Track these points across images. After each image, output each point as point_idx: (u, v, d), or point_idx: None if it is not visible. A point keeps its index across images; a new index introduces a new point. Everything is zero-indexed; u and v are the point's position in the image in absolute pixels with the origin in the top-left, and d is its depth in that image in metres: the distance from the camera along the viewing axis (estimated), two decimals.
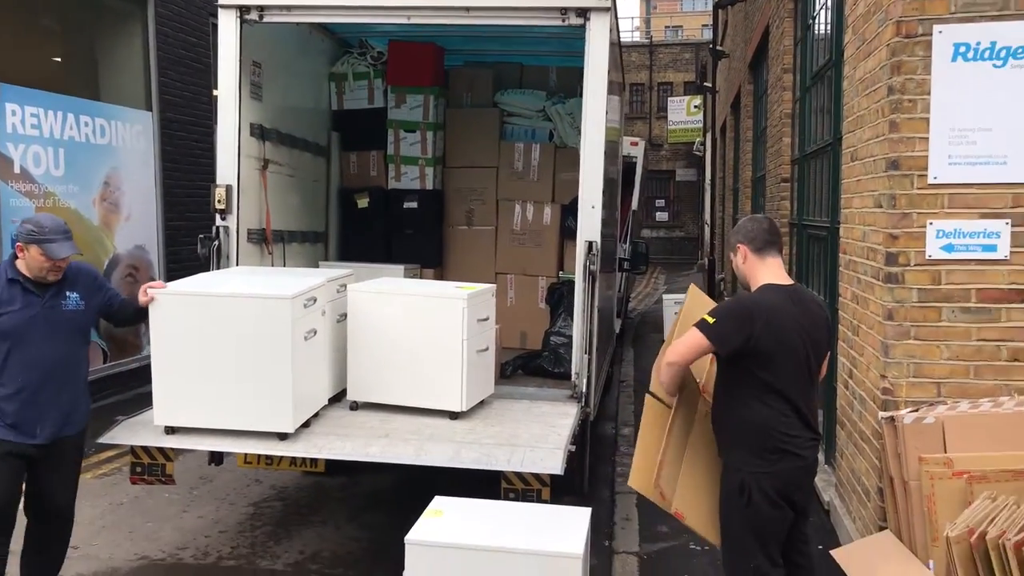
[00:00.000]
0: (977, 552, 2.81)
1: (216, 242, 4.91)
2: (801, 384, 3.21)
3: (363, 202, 6.76)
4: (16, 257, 3.69)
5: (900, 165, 3.77)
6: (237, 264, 5.00)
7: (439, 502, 3.64)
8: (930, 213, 3.74)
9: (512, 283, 6.84)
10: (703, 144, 25.02)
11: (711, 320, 3.19)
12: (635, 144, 13.09)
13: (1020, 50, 3.64)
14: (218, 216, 4.97)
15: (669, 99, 31.23)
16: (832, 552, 3.74)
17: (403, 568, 3.31)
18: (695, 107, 28.71)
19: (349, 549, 4.93)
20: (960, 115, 3.70)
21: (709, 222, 20.49)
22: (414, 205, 6.73)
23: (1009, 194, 3.69)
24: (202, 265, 5.00)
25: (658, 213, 32.70)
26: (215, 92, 9.03)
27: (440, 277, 6.71)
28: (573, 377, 4.81)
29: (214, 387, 3.97)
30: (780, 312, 3.16)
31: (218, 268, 4.91)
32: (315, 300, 4.22)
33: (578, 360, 4.77)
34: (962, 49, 3.68)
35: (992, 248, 3.71)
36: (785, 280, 3.32)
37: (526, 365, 5.63)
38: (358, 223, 6.76)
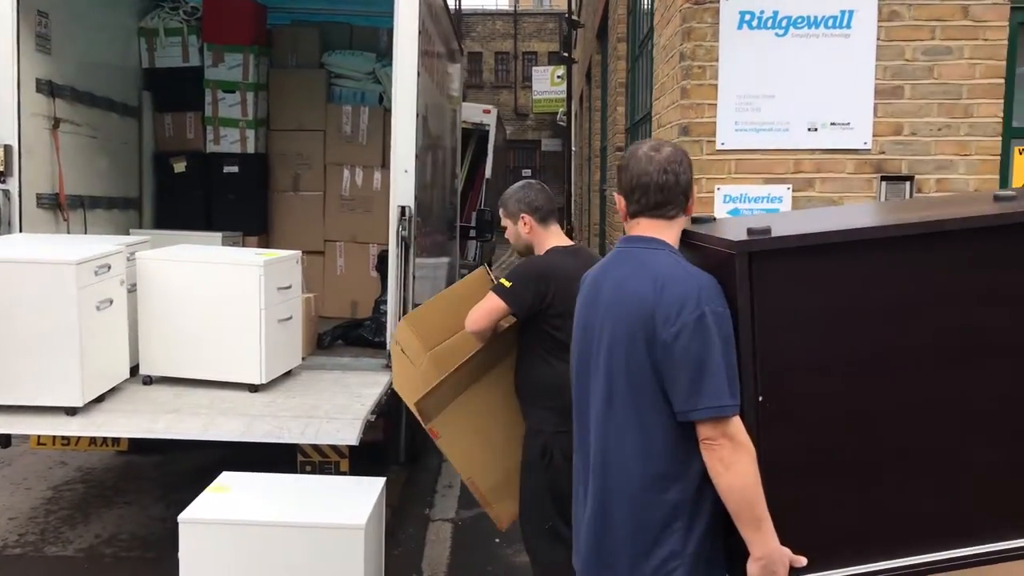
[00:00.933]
0: None
1: None
2: None
3: (180, 166, 6.40)
4: None
5: (690, 131, 3.85)
6: (20, 231, 4.62)
7: (226, 477, 3.52)
8: (718, 178, 3.85)
9: (342, 251, 6.67)
10: (566, 114, 25.28)
11: (507, 284, 3.21)
12: (487, 112, 13.00)
13: (800, 19, 3.76)
14: None
15: (533, 68, 31.35)
16: None
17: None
18: (559, 77, 28.94)
19: (152, 530, 4.70)
20: (746, 82, 3.81)
21: (569, 192, 20.77)
22: (235, 170, 6.42)
23: (791, 160, 3.83)
24: None
25: None
26: None
27: (265, 245, 6.44)
28: (388, 346, 4.72)
29: None
30: (570, 271, 3.17)
31: None
32: (109, 268, 3.94)
33: (393, 327, 4.69)
34: (747, 17, 3.77)
35: (775, 211, 3.84)
36: (567, 242, 3.42)
37: (346, 335, 5.48)
38: (175, 189, 6.39)
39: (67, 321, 3.67)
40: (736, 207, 3.83)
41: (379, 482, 3.51)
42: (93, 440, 4.36)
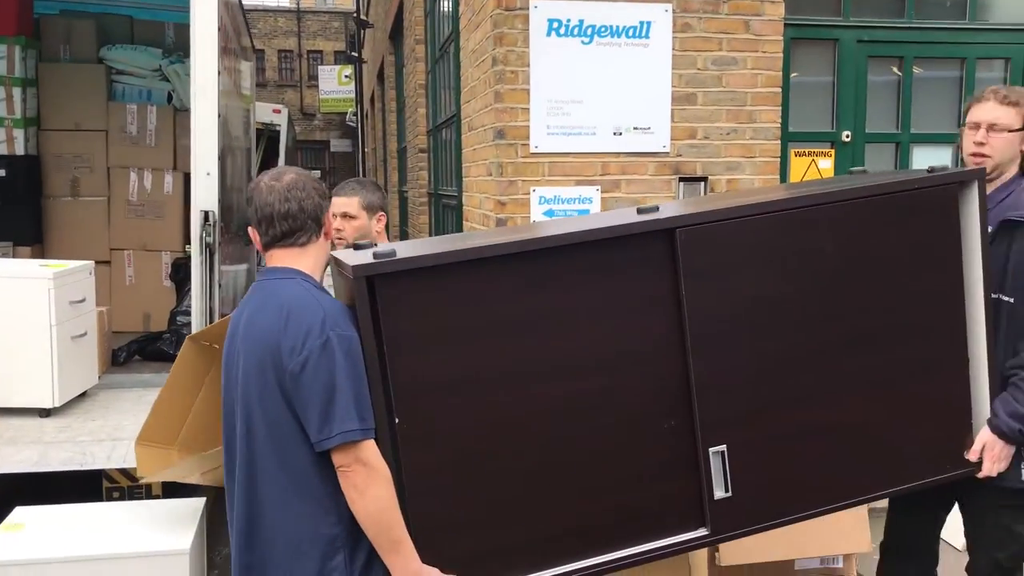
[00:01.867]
0: None
1: None
2: None
3: None
4: None
5: (506, 134, 3.94)
6: None
7: (20, 513, 3.17)
8: (533, 180, 3.96)
9: (131, 259, 6.22)
10: (355, 115, 24.96)
11: None
12: (278, 112, 12.67)
13: (604, 28, 3.96)
14: None
15: (320, 68, 30.68)
16: None
17: None
18: (346, 77, 28.53)
19: None
20: (556, 87, 3.95)
21: None
22: (1, 173, 5.81)
23: (599, 162, 4.03)
24: None
25: None
26: None
27: (39, 256, 5.88)
28: None
29: None
30: None
31: None
32: None
33: None
34: (555, 24, 3.91)
35: (586, 212, 4.03)
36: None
37: (143, 349, 5.13)
38: None
39: None
40: (551, 208, 3.97)
41: (199, 502, 3.31)
42: None
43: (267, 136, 11.57)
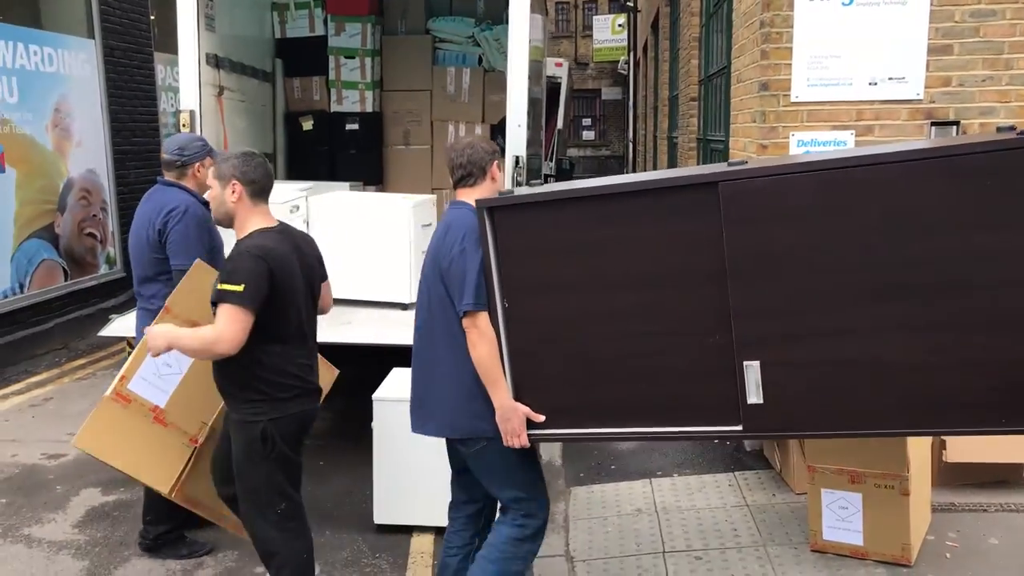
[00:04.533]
0: None
1: None
2: (310, 323, 3.33)
3: (308, 125, 7.33)
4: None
5: (769, 87, 4.58)
6: None
7: (397, 371, 4.45)
8: (792, 126, 4.57)
9: (447, 198, 7.54)
10: (627, 63, 25.61)
11: (239, 288, 2.96)
12: (559, 65, 13.71)
13: None
14: None
15: (594, 17, 31.52)
16: None
17: (364, 430, 4.10)
18: (619, 26, 29.09)
19: (317, 425, 5.66)
20: (816, 44, 4.51)
21: (632, 140, 21.30)
22: (355, 127, 7.33)
23: (854, 110, 4.54)
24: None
25: (584, 132, 33.33)
26: (152, 17, 9.34)
27: (383, 192, 7.36)
28: None
29: None
30: (285, 256, 3.13)
31: None
32: (298, 207, 4.89)
33: None
34: None
35: None
36: (273, 222, 3.26)
37: None
38: (304, 144, 7.34)
39: None
40: (808, 150, 4.57)
41: None
42: None
43: (549, 87, 12.67)
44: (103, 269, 8.59)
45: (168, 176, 3.93)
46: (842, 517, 3.74)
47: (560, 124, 12.89)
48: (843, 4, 4.44)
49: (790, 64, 4.53)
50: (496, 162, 3.08)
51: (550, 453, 5.26)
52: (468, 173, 3.03)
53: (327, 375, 3.54)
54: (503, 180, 3.19)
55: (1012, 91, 4.42)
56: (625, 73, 27.86)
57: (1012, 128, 2.62)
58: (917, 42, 4.42)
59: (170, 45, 6.08)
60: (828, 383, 2.67)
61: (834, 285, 2.61)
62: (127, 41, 9.08)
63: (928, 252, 2.52)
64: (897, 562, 3.62)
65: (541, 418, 2.90)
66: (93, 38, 8.53)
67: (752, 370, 2.68)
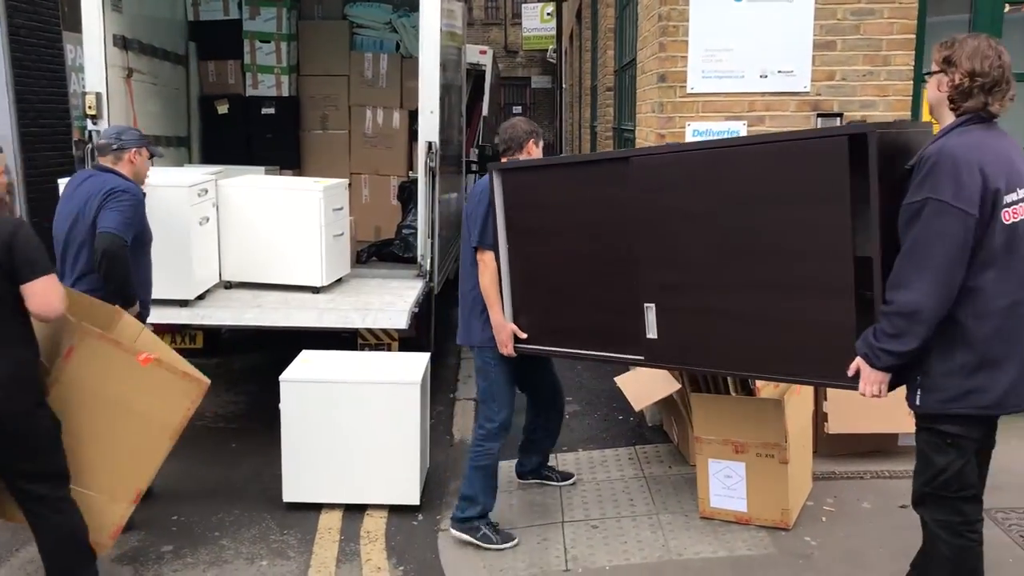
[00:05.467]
0: None
1: (89, 145, 5.41)
2: None
3: (223, 108, 7.29)
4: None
5: (667, 78, 4.78)
6: None
7: (306, 353, 4.53)
8: (688, 116, 4.78)
9: (366, 182, 7.60)
10: (556, 52, 25.77)
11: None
12: (483, 53, 13.72)
13: None
14: (90, 121, 5.46)
15: (523, 6, 31.51)
16: (615, 379, 4.88)
17: (277, 412, 4.18)
18: (548, 14, 29.13)
19: (229, 409, 5.76)
20: (710, 38, 4.72)
21: (559, 128, 21.49)
22: (271, 111, 7.33)
23: (746, 101, 4.78)
24: (68, 167, 5.50)
25: None
26: None
27: (299, 176, 7.36)
28: (419, 259, 5.68)
29: None
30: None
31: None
32: (206, 191, 4.90)
33: (423, 244, 5.63)
34: None
35: None
36: None
37: (379, 252, 6.48)
38: (219, 128, 7.30)
39: (182, 232, 4.63)
40: (702, 140, 4.78)
41: (425, 356, 4.55)
42: (173, 338, 5.38)
43: (474, 75, 12.71)
44: None
45: (103, 161, 4.00)
46: (727, 485, 3.98)
47: (486, 111, 12.94)
48: (735, 0, 4.66)
49: (686, 57, 4.74)
50: (532, 140, 3.88)
51: (463, 432, 5.41)
52: (508, 147, 3.87)
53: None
54: (539, 153, 3.91)
55: (890, 85, 4.71)
56: (554, 62, 28.05)
57: (840, 115, 2.94)
58: (803, 37, 4.67)
59: (79, 24, 5.99)
60: (704, 328, 3.24)
61: (704, 246, 3.16)
62: (34, 20, 8.82)
63: (762, 223, 2.99)
64: (777, 526, 3.87)
65: (524, 335, 3.73)
66: None
67: (650, 311, 3.34)
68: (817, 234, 2.85)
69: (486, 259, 3.69)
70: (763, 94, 4.74)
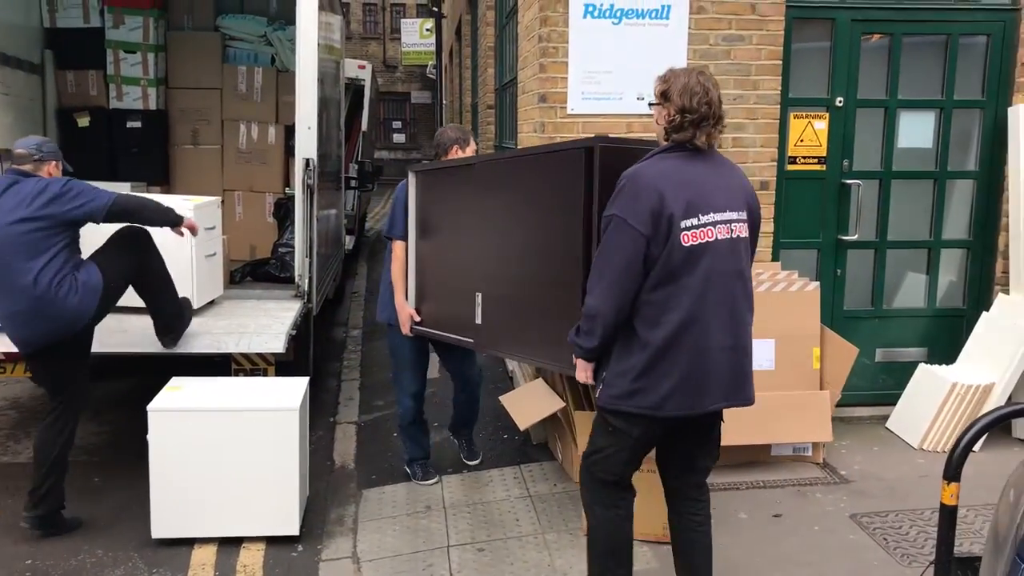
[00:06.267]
0: None
1: None
2: None
3: (84, 121, 6.88)
4: None
5: (547, 99, 4.83)
6: None
7: (176, 380, 4.30)
8: (569, 137, 4.84)
9: (240, 199, 7.33)
10: (435, 67, 25.79)
11: None
12: (363, 67, 13.55)
13: (631, 11, 4.78)
14: None
15: (402, 20, 31.51)
16: (500, 398, 4.86)
17: (145, 442, 3.94)
18: (427, 30, 29.21)
19: (91, 440, 5.40)
20: (590, 60, 4.80)
21: None
22: (138, 125, 6.97)
23: (624, 122, 4.88)
24: None
25: (395, 135, 33.27)
26: None
27: (167, 194, 7.02)
28: (296, 279, 5.49)
29: None
30: None
31: None
32: None
33: (300, 263, 5.44)
34: (590, 8, 4.76)
35: None
36: None
37: (254, 272, 6.24)
38: (80, 142, 6.86)
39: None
40: None
41: (303, 380, 4.39)
42: (26, 367, 4.98)
43: (353, 90, 12.53)
44: None
45: (23, 168, 4.03)
46: None
47: (365, 127, 12.76)
48: (613, 23, 4.76)
49: (566, 78, 4.80)
50: (457, 145, 4.37)
51: (344, 458, 5.26)
52: (436, 151, 4.45)
53: None
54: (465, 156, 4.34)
55: (759, 108, 4.92)
56: (433, 78, 28.07)
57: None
58: (678, 61, 4.80)
59: None
60: (508, 317, 3.68)
61: (500, 241, 3.69)
62: None
63: (530, 223, 3.49)
64: (659, 540, 3.92)
65: (418, 318, 4.32)
66: None
67: (479, 298, 3.85)
68: (561, 235, 3.22)
69: (395, 248, 4.34)
70: (640, 115, 4.85)
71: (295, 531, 4.12)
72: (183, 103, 7.19)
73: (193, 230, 4.40)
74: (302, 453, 4.19)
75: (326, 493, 4.71)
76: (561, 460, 4.85)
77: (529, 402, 4.58)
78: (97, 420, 5.77)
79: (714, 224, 2.76)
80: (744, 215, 2.85)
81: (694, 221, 2.73)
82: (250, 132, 7.30)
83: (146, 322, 4.72)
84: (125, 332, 4.60)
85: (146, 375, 4.59)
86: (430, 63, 28.77)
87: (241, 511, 4.03)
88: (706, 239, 2.74)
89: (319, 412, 6.05)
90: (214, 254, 5.13)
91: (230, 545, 4.07)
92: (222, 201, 7.04)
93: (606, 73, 4.81)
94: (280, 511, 4.07)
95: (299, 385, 4.29)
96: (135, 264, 4.24)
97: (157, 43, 6.92)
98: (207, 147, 7.27)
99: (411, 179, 4.33)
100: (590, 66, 4.80)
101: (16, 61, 6.19)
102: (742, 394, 2.90)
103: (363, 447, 5.40)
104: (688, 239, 2.73)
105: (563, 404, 4.44)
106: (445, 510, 4.39)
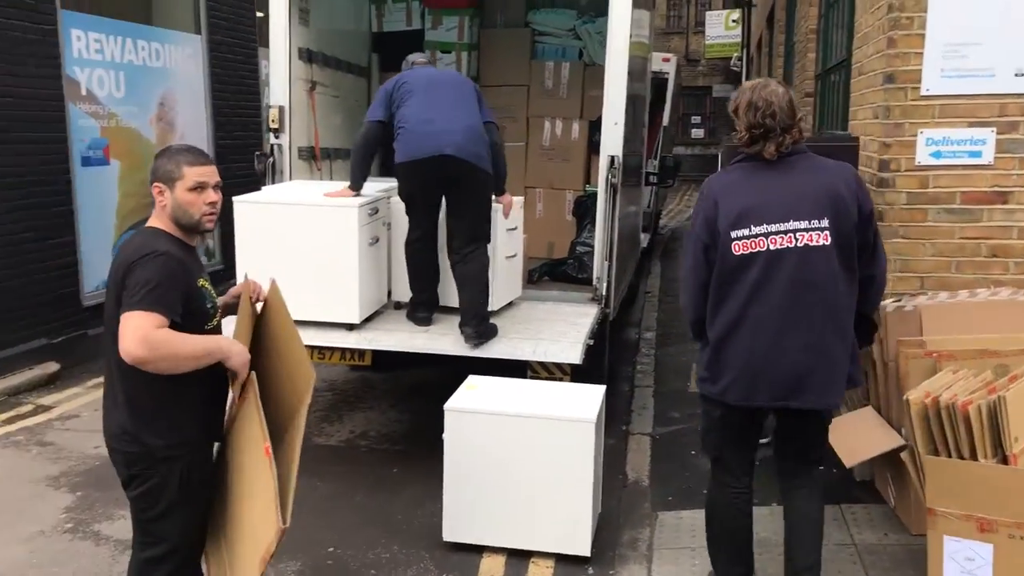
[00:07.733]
0: (931, 412, 3.25)
1: (271, 159, 5.38)
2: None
3: None
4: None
5: (895, 79, 4.09)
6: (290, 179, 5.47)
7: (473, 379, 4.20)
8: (921, 123, 4.07)
9: (541, 196, 7.25)
10: (740, 59, 24.68)
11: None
12: (667, 60, 13.16)
13: None
14: (272, 135, 5.43)
15: (707, 13, 30.46)
16: None
17: (440, 438, 3.87)
18: (733, 21, 28.01)
19: (393, 428, 5.55)
20: (954, 31, 3.99)
21: None
22: None
23: (996, 104, 4.01)
24: (256, 180, 5.47)
25: (694, 130, 32.39)
26: (259, 14, 9.41)
27: None
28: (594, 282, 5.22)
29: (293, 283, 3.42)
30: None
31: (273, 183, 5.36)
32: (377, 211, 4.69)
33: (599, 266, 5.15)
34: None
35: (977, 155, 4.04)
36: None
37: (552, 271, 6.09)
38: None
39: (349, 254, 4.42)
40: (938, 150, 4.05)
41: (600, 389, 4.09)
42: (343, 354, 5.14)
43: (655, 83, 12.17)
44: (203, 261, 8.69)
45: None
46: (968, 570, 3.25)
47: (666, 121, 12.35)
48: None
49: (921, 53, 4.04)
50: None
51: (638, 473, 4.91)
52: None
53: None
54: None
55: None
56: (738, 70, 26.88)
57: None
58: None
59: None
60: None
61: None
62: (233, 36, 9.18)
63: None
64: None
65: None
66: (200, 33, 8.65)
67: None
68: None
69: None
70: (1018, 96, 3.96)
71: (586, 551, 3.84)
72: (491, 101, 7.19)
73: (507, 208, 4.76)
74: (596, 468, 3.90)
75: (618, 511, 4.39)
76: (894, 506, 4.10)
77: (858, 434, 3.91)
78: (399, 407, 5.95)
79: (766, 235, 2.88)
80: (822, 223, 2.86)
81: (745, 232, 2.89)
82: (554, 128, 7.19)
83: (448, 321, 4.71)
84: (427, 332, 4.60)
85: (445, 365, 4.54)
86: (734, 55, 27.60)
87: (531, 523, 3.83)
88: (757, 249, 2.89)
89: (611, 419, 5.69)
90: (515, 255, 5.01)
91: (518, 558, 3.89)
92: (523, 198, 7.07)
93: (975, 45, 3.97)
94: (571, 528, 3.81)
95: (596, 394, 4.00)
96: None
97: (471, 42, 7.02)
98: (512, 144, 7.21)
99: None
100: (953, 38, 3.99)
101: (347, 65, 6.56)
102: (808, 396, 2.96)
103: (658, 463, 5.00)
104: (739, 248, 2.91)
105: (902, 443, 3.72)
106: (754, 548, 3.86)
